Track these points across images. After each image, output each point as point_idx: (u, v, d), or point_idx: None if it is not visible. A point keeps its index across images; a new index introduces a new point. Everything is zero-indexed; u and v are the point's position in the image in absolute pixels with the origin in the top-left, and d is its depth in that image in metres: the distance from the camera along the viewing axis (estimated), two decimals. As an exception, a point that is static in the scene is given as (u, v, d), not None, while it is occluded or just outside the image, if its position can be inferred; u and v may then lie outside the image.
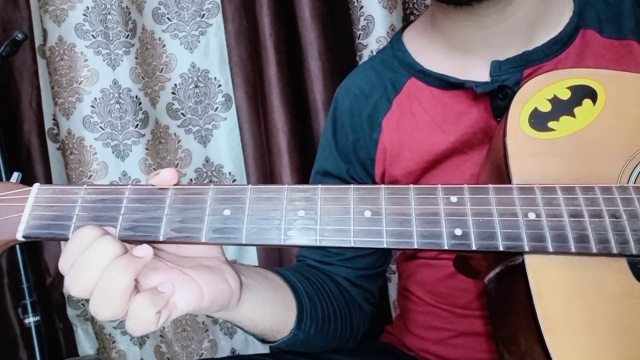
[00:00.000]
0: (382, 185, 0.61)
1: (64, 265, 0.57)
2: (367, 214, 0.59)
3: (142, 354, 1.81)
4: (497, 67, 0.86)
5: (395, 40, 1.01)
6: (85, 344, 1.93)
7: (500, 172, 0.67)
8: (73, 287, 0.56)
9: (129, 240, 0.59)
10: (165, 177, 0.62)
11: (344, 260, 0.97)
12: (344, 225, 0.59)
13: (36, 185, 0.62)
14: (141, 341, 1.81)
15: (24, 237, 0.60)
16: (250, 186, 0.61)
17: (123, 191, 0.61)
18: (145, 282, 0.59)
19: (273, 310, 0.79)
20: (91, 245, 0.56)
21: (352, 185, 0.61)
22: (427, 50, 0.95)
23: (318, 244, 0.58)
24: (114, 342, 1.79)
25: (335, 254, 0.97)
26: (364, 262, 0.98)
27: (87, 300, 1.56)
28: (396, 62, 0.98)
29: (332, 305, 0.91)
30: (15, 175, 0.63)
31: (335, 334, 0.92)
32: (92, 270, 0.55)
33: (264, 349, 1.72)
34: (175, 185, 0.62)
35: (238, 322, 0.74)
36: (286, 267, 1.00)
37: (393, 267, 1.55)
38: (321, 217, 0.59)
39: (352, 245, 0.58)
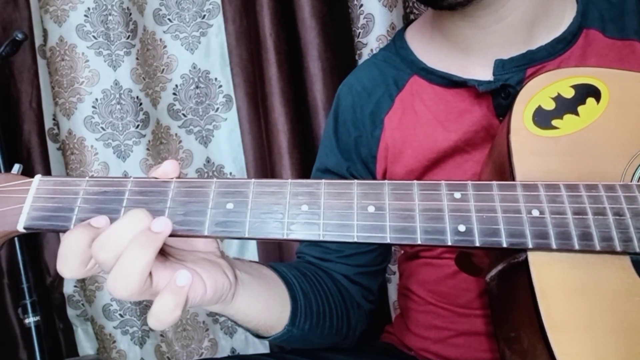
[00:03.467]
0: (386, 181, 0.61)
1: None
2: (371, 209, 0.59)
3: (143, 353, 1.81)
4: (500, 65, 0.86)
5: (398, 37, 1.01)
6: (85, 344, 1.93)
7: (503, 170, 0.67)
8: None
9: None
10: (167, 169, 0.62)
11: (343, 257, 0.97)
12: (347, 220, 0.58)
13: (37, 177, 0.61)
14: (141, 341, 1.81)
15: (24, 228, 0.59)
16: (253, 180, 0.60)
17: (125, 184, 0.60)
18: (155, 274, 0.58)
19: (266, 306, 0.78)
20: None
21: (355, 181, 0.61)
22: (429, 48, 0.95)
23: (321, 238, 0.58)
24: (114, 342, 1.80)
25: (335, 251, 0.97)
26: (363, 259, 0.98)
27: (88, 301, 1.56)
28: (399, 59, 0.98)
29: (328, 301, 0.91)
30: (17, 167, 0.63)
31: (332, 331, 0.92)
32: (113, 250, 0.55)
33: (264, 349, 1.73)
34: (177, 178, 0.62)
35: (231, 316, 0.73)
36: (283, 263, 1.00)
37: (393, 267, 1.55)
38: (324, 211, 0.59)
39: (355, 240, 0.58)
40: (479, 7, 0.82)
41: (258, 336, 0.83)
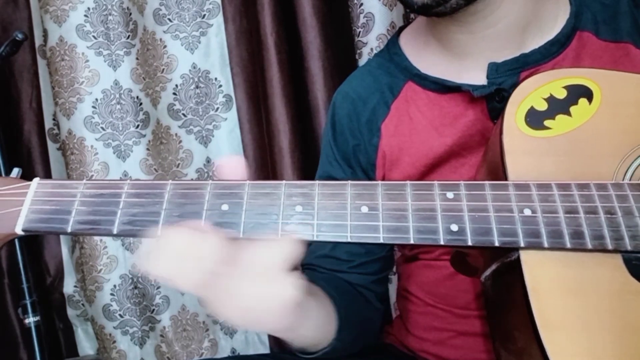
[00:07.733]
0: (379, 182, 0.61)
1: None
2: (364, 209, 0.59)
3: (143, 353, 1.81)
4: (494, 69, 0.86)
5: (392, 43, 1.00)
6: (85, 344, 1.92)
7: (497, 170, 0.67)
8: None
9: (127, 235, 0.59)
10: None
11: (354, 267, 0.97)
12: (340, 221, 0.59)
13: (36, 180, 0.62)
14: (141, 341, 1.81)
15: (23, 230, 0.60)
16: (248, 182, 0.61)
17: (122, 186, 0.61)
18: None
19: (321, 324, 0.80)
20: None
21: (349, 181, 0.61)
22: (422, 53, 0.95)
23: (315, 238, 0.58)
24: (114, 342, 1.80)
25: (346, 261, 0.97)
26: (372, 267, 0.98)
27: (88, 301, 1.55)
28: (393, 66, 0.98)
29: (360, 311, 0.93)
30: (16, 171, 0.64)
31: (365, 337, 0.94)
32: None
33: (264, 349, 1.73)
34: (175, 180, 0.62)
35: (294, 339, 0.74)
36: (314, 274, 0.99)
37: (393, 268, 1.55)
38: (318, 212, 0.59)
39: (349, 240, 0.58)
40: (467, 14, 0.83)
41: (303, 353, 0.83)
